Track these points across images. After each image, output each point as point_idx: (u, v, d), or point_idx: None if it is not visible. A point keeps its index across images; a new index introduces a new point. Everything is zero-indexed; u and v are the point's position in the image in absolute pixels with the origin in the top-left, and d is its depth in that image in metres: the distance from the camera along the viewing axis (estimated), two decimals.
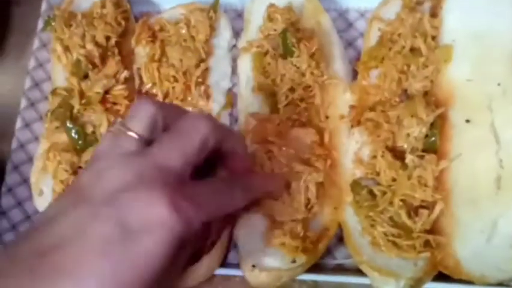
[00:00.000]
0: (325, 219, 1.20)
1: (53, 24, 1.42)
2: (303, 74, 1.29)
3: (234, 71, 1.45)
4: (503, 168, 1.12)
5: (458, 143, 1.17)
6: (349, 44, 1.46)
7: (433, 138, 1.19)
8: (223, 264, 1.27)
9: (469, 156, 1.15)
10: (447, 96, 1.22)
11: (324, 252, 1.20)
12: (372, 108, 1.27)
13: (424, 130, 1.18)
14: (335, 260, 1.24)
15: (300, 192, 1.18)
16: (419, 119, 1.18)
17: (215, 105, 1.38)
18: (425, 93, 1.26)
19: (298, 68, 1.28)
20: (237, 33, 1.48)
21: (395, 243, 1.12)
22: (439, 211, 1.12)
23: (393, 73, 1.27)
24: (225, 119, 1.39)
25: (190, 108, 1.35)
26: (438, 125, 1.19)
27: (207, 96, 1.38)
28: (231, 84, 1.44)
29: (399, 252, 1.11)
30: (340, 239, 1.23)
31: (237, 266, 1.21)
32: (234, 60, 1.44)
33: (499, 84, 1.19)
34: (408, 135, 1.19)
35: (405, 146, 1.19)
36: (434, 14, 1.31)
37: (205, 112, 1.35)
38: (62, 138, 1.32)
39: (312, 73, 1.28)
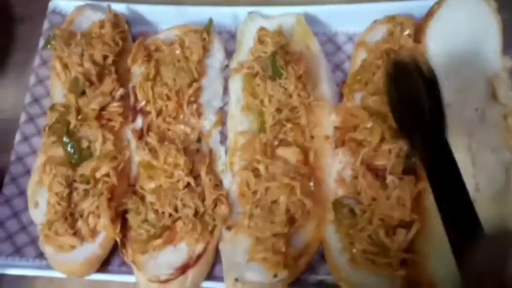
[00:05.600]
0: (307, 236, 1.24)
1: (53, 42, 1.47)
2: (291, 96, 1.33)
3: (226, 90, 1.49)
4: (479, 191, 1.16)
5: None
6: (337, 66, 1.51)
7: (413, 159, 1.23)
8: (209, 277, 1.31)
9: None
10: None
11: (306, 267, 1.25)
12: (355, 128, 1.31)
13: (405, 148, 1.23)
14: (316, 276, 1.27)
15: (283, 207, 1.23)
16: None
17: (206, 123, 1.43)
18: None
19: (286, 89, 1.33)
20: (230, 54, 1.53)
21: (372, 261, 1.16)
22: (416, 231, 1.16)
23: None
24: (215, 137, 1.44)
25: (182, 126, 1.40)
26: None
27: (199, 114, 1.43)
28: (222, 103, 1.49)
29: (377, 269, 1.15)
30: (322, 255, 1.27)
31: (222, 279, 1.25)
32: (226, 80, 1.49)
33: (476, 110, 1.24)
34: (389, 151, 1.23)
35: (386, 164, 1.23)
36: (417, 40, 1.36)
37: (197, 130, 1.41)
38: (59, 152, 1.37)
39: (299, 95, 1.33)
